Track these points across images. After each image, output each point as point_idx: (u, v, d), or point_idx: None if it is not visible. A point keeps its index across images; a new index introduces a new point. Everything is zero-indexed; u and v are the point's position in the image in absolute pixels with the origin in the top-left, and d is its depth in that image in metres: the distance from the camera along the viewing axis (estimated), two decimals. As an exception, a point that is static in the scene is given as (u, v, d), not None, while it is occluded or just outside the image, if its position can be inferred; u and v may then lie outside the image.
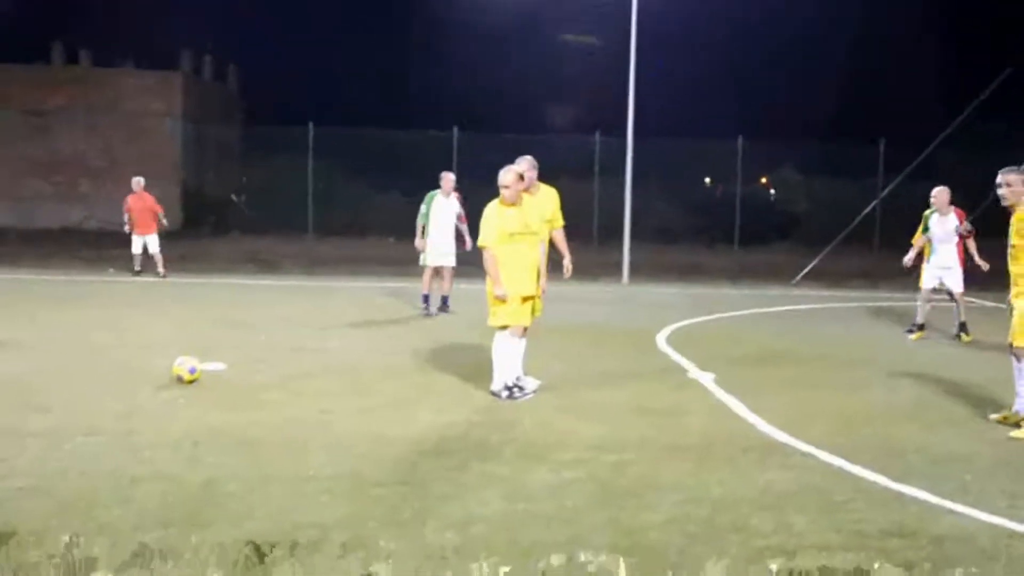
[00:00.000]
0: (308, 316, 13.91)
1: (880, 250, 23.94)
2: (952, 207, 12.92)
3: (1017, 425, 7.52)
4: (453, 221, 13.95)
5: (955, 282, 12.95)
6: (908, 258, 13.15)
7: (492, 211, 8.35)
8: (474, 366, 9.42)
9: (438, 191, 13.85)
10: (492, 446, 6.85)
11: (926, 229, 12.99)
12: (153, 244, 18.99)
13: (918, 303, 13.35)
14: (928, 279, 13.09)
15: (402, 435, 7.05)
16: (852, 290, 19.91)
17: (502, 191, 8.28)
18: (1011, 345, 7.74)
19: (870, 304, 17.44)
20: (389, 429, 7.22)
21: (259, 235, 28.42)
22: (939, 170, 19.49)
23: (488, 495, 5.72)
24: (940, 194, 12.84)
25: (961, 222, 12.79)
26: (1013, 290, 7.73)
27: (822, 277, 21.34)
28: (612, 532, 5.14)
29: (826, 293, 19.32)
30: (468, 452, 6.66)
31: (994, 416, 7.90)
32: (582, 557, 4.77)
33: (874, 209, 21.90)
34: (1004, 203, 7.77)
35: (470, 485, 5.92)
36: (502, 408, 8.07)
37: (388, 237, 27.29)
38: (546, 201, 8.92)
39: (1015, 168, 7.70)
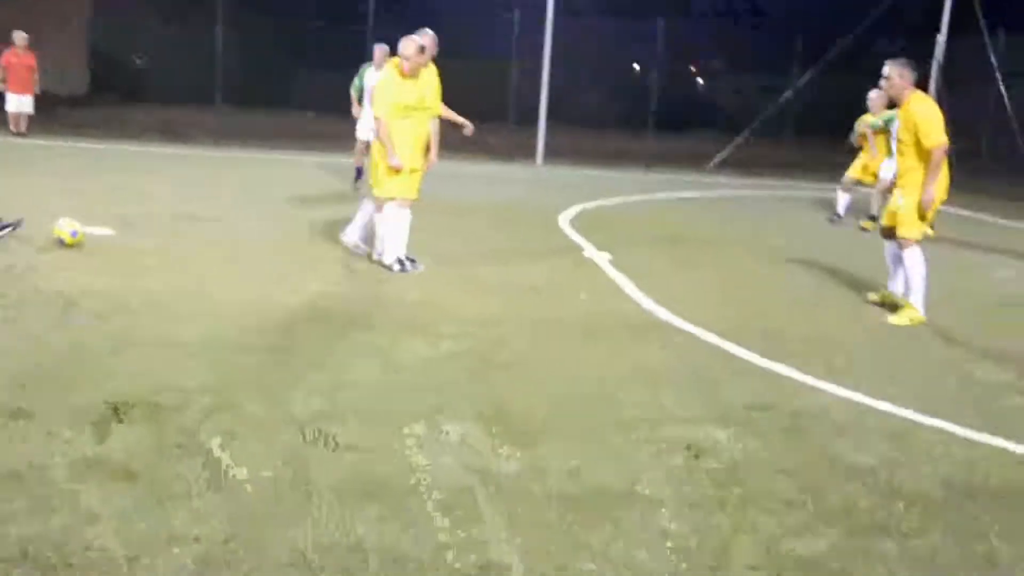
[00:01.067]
0: (206, 186, 13.63)
1: (794, 140, 24.21)
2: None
3: (894, 307, 7.73)
4: None
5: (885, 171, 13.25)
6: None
7: (389, 81, 8.23)
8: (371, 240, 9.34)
9: (371, 64, 13.50)
10: (374, 317, 6.84)
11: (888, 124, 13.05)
12: (27, 105, 18.33)
13: (840, 191, 13.74)
14: (886, 171, 13.25)
15: (282, 303, 7.00)
16: (766, 179, 20.12)
17: (403, 61, 8.14)
18: (887, 229, 7.88)
19: (781, 193, 17.68)
20: (269, 298, 7.15)
21: (171, 104, 27.53)
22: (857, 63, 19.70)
23: (362, 364, 5.74)
24: (873, 99, 13.03)
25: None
26: (899, 181, 7.82)
27: (739, 165, 21.51)
28: (481, 403, 5.19)
29: (739, 181, 19.50)
30: (348, 321, 6.65)
31: (872, 296, 8.12)
32: (445, 425, 4.83)
33: (792, 101, 21.99)
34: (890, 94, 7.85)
35: (345, 353, 5.92)
36: (391, 280, 8.05)
37: (308, 112, 26.64)
38: (435, 78, 8.78)
39: (900, 61, 7.69)
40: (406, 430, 4.73)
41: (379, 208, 8.50)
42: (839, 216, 13.75)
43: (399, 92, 8.15)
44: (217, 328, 6.26)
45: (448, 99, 8.73)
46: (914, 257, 7.65)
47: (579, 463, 4.45)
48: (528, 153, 20.83)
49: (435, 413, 4.99)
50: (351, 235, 9.07)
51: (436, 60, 8.67)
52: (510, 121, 25.21)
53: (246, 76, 26.94)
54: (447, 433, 4.73)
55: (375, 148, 8.41)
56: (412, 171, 8.33)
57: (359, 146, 13.55)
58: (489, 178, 16.12)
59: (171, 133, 22.17)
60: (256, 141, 21.26)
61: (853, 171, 13.46)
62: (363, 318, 6.79)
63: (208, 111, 24.92)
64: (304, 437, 4.52)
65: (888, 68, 7.67)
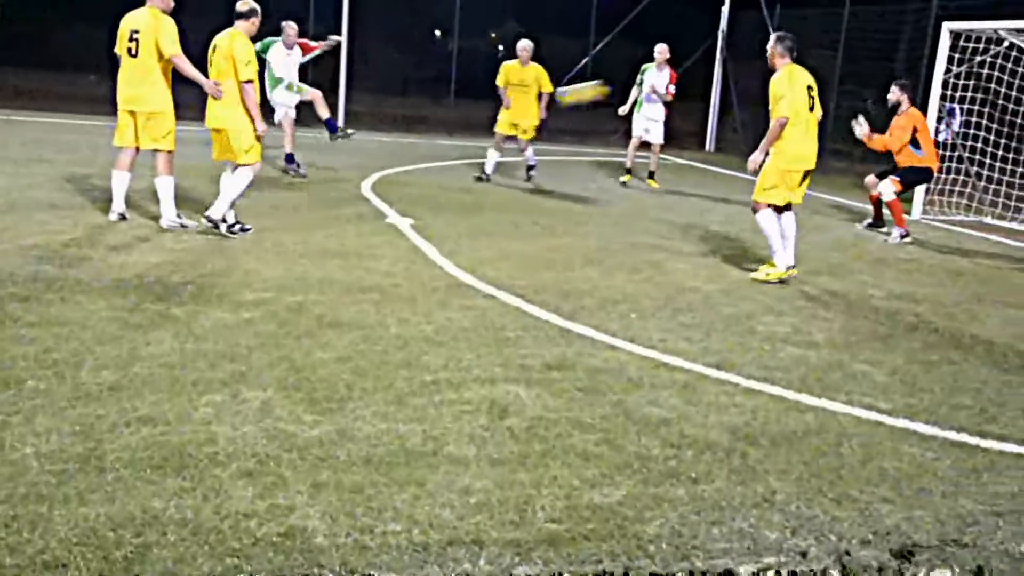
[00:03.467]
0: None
1: (589, 108, 24.70)
2: (668, 65, 13.76)
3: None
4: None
5: (657, 135, 13.92)
6: (623, 109, 14.07)
7: (247, 43, 8.42)
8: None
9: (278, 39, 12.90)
10: (170, 286, 6.60)
11: (641, 82, 13.85)
12: None
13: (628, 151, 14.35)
14: (637, 127, 14.03)
15: (70, 277, 6.65)
16: (564, 145, 20.50)
17: (252, 23, 8.49)
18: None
19: (577, 158, 18.08)
20: (57, 271, 6.78)
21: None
22: (656, 27, 20.36)
23: (157, 335, 5.53)
24: (660, 52, 13.73)
25: (673, 81, 13.70)
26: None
27: (538, 131, 21.76)
28: (281, 370, 5.12)
29: (537, 147, 19.74)
30: (143, 293, 6.38)
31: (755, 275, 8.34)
32: (246, 394, 4.73)
33: (585, 65, 22.46)
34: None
35: (139, 325, 5.69)
36: (188, 251, 7.77)
37: (89, 75, 25.08)
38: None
39: (777, 35, 8.29)
40: (205, 400, 4.61)
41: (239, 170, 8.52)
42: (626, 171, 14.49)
43: (253, 54, 8.50)
44: (-4, 301, 5.90)
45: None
46: (763, 219, 8.25)
47: (384, 426, 4.45)
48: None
49: (235, 382, 4.88)
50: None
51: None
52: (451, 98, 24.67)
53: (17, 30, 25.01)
54: (248, 401, 4.63)
55: (241, 116, 8.37)
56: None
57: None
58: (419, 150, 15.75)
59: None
60: (23, 102, 19.94)
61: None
62: (158, 287, 6.54)
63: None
64: (95, 411, 4.33)
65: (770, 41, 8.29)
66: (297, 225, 9.17)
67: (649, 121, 14.13)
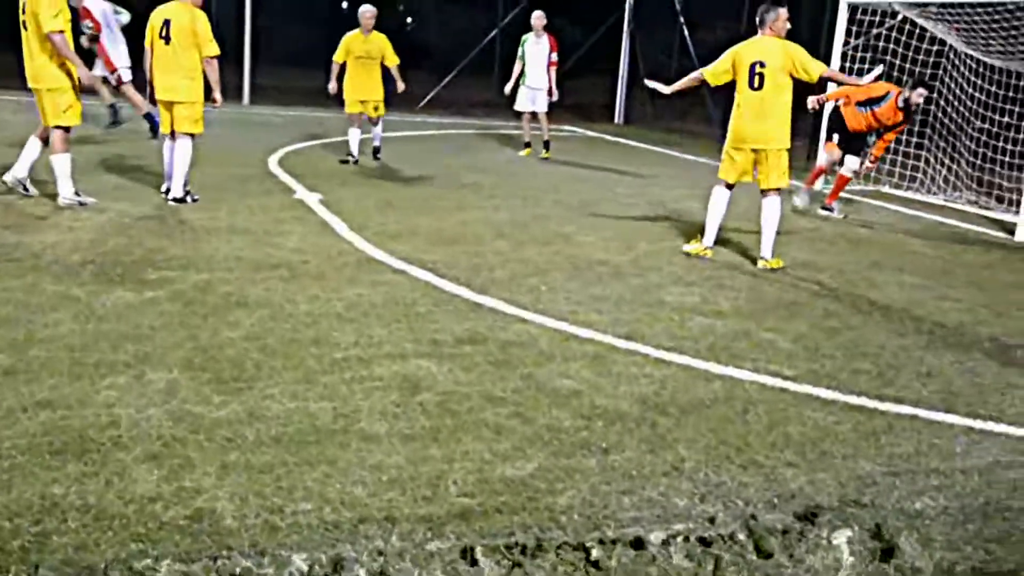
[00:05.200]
0: None
1: (500, 80, 24.66)
2: (546, 32, 13.79)
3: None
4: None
5: (541, 103, 13.93)
6: (508, 86, 14.08)
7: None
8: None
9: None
10: (70, 266, 6.40)
11: (522, 55, 13.87)
12: None
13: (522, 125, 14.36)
14: (521, 100, 14.02)
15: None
16: (472, 118, 20.42)
17: None
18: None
19: (487, 132, 18.02)
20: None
21: None
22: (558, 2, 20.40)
23: (56, 317, 5.36)
24: (539, 17, 13.76)
25: (554, 49, 13.74)
26: None
27: (446, 105, 21.66)
28: (187, 350, 5.01)
29: (447, 120, 19.67)
30: (40, 272, 6.18)
31: (687, 248, 8.31)
32: (150, 375, 4.61)
33: (495, 40, 22.39)
34: None
35: (37, 307, 5.51)
36: (89, 229, 7.54)
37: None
38: None
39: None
40: (107, 382, 4.49)
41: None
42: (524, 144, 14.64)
43: None
44: None
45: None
46: (712, 192, 8.22)
47: (293, 405, 4.39)
48: (234, 93, 20.01)
49: (139, 363, 4.76)
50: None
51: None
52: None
53: None
54: (153, 383, 4.52)
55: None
56: None
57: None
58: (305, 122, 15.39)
59: None
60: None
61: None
62: (56, 267, 6.34)
63: None
64: (-9, 397, 4.19)
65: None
66: (203, 202, 8.96)
67: (533, 91, 14.13)
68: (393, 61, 12.36)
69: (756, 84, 7.75)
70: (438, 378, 4.88)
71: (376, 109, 12.42)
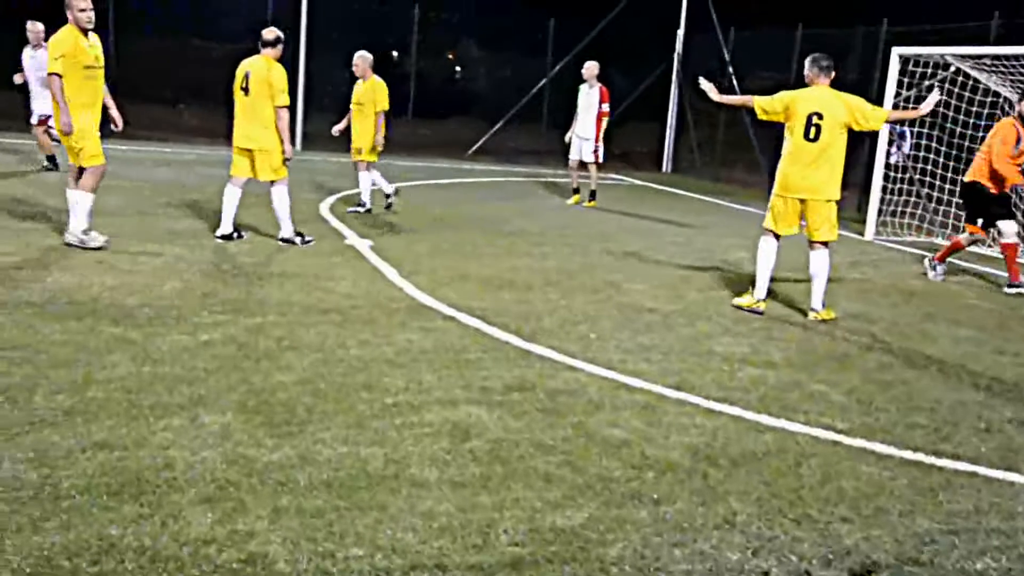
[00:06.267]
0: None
1: (549, 128, 24.85)
2: (599, 82, 13.91)
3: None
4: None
5: (587, 152, 14.04)
6: (568, 135, 14.21)
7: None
8: (117, 223, 8.90)
9: None
10: (126, 309, 6.52)
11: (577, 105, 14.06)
12: None
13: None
14: (573, 149, 14.16)
15: (22, 300, 6.54)
16: (521, 166, 20.57)
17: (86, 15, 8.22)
18: None
19: (536, 179, 18.13)
20: (8, 294, 6.67)
21: None
22: (614, 50, 20.63)
23: (113, 359, 5.45)
24: (590, 68, 13.90)
25: (605, 100, 13.84)
26: None
27: (495, 153, 21.88)
28: (241, 393, 5.06)
29: (496, 168, 19.86)
30: (99, 316, 6.29)
31: (737, 301, 8.17)
32: (205, 417, 4.67)
33: (544, 88, 22.58)
34: None
35: (95, 349, 5.61)
36: (144, 272, 7.68)
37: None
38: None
39: (812, 56, 7.90)
40: (163, 424, 4.55)
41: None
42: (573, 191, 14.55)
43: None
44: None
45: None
46: (760, 244, 8.07)
47: (345, 450, 4.42)
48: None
49: (194, 405, 4.82)
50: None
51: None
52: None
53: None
54: (207, 426, 4.58)
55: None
56: None
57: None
58: None
59: None
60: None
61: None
62: (113, 310, 6.46)
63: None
64: (49, 437, 4.25)
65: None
66: (255, 247, 9.10)
67: (581, 140, 14.25)
68: (383, 106, 11.85)
69: (812, 135, 7.60)
70: (488, 425, 4.89)
71: (363, 154, 11.99)
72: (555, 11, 22.98)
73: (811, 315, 7.88)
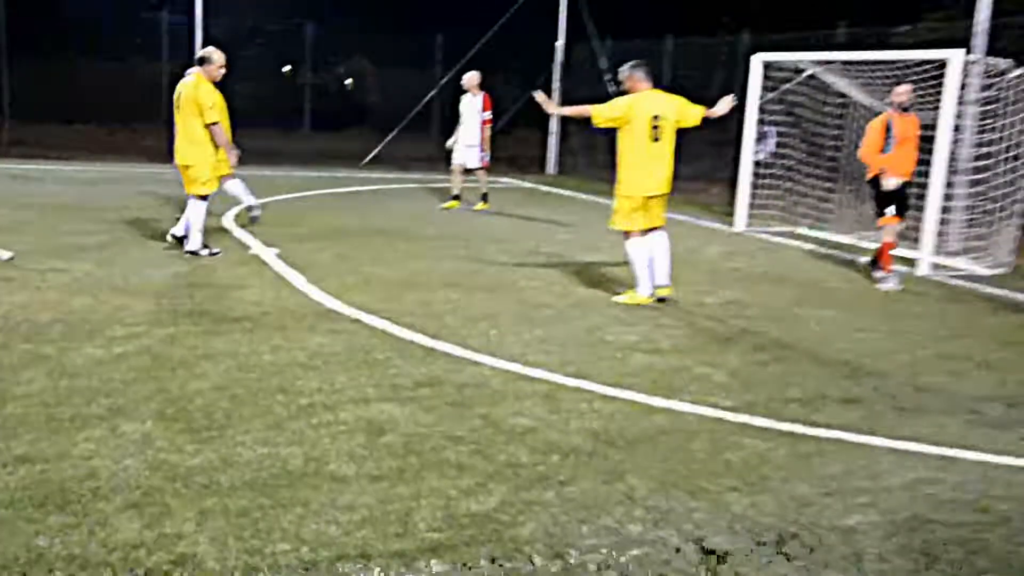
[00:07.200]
0: None
1: (439, 137, 24.86)
2: (481, 91, 13.98)
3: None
4: None
5: (473, 159, 14.08)
6: (449, 142, 14.24)
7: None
8: (23, 240, 8.60)
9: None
10: (38, 325, 6.32)
11: (460, 113, 14.12)
12: None
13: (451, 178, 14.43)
14: (457, 155, 14.18)
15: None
16: (414, 172, 20.50)
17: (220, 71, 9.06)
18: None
19: (429, 186, 18.09)
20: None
21: None
22: (499, 61, 20.80)
23: (29, 375, 5.29)
24: (471, 78, 13.96)
25: (487, 107, 13.93)
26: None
27: (389, 161, 21.74)
28: (159, 401, 4.98)
29: (390, 175, 19.73)
30: (10, 332, 6.09)
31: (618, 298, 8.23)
32: (125, 427, 4.57)
33: (433, 98, 22.55)
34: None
35: (9, 366, 5.43)
36: (55, 289, 7.44)
37: None
38: None
39: (631, 63, 8.02)
40: (83, 435, 4.44)
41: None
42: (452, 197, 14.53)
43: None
44: None
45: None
46: (629, 247, 8.01)
47: (265, 451, 4.39)
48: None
49: (113, 416, 4.72)
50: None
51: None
52: (162, 123, 23.84)
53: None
54: (128, 434, 4.49)
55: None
56: None
57: None
58: (140, 179, 15.24)
59: None
60: None
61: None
62: (25, 326, 6.25)
63: None
64: (-29, 454, 4.12)
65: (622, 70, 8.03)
66: (162, 260, 8.90)
67: (467, 148, 14.30)
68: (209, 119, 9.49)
69: (657, 136, 7.73)
70: (400, 421, 4.91)
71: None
72: (442, 26, 23.04)
73: (661, 292, 8.00)
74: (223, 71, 9.17)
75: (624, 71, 8.05)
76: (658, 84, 8.06)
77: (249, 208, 11.15)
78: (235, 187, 10.99)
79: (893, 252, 9.64)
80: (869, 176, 9.74)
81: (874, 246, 10.49)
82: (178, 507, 3.77)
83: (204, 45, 19.32)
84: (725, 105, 8.01)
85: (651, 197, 7.92)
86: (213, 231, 10.73)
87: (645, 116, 7.74)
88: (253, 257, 9.30)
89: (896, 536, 3.88)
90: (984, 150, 11.48)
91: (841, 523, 3.98)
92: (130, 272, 8.21)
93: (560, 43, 22.32)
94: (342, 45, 27.74)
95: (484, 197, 14.54)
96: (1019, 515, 4.14)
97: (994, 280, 10.28)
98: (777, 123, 14.31)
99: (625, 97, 7.91)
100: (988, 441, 5.08)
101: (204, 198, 9.14)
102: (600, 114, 7.89)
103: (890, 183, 9.36)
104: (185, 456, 4.28)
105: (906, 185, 9.68)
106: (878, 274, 9.64)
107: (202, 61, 9.15)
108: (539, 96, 8.22)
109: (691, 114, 7.92)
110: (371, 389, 5.39)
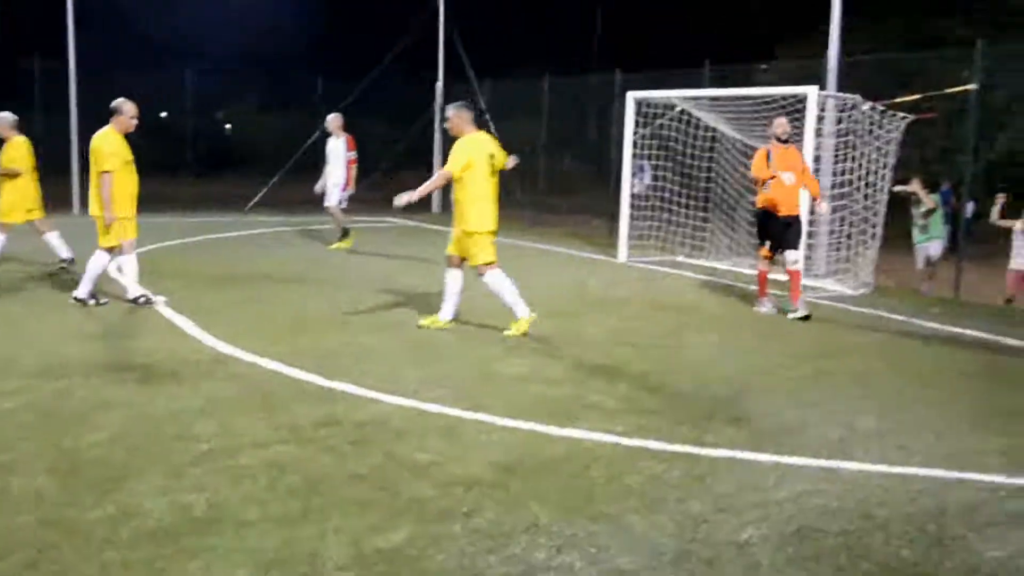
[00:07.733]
0: None
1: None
2: (344, 132, 14.01)
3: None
4: None
5: (332, 198, 14.05)
6: (317, 185, 14.13)
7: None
8: None
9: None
10: (-84, 384, 6.00)
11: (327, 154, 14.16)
12: None
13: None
14: (330, 196, 14.11)
15: None
16: (298, 215, 20.23)
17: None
18: (452, 258, 8.40)
19: (313, 228, 17.90)
20: None
21: None
22: (374, 104, 20.81)
23: (-91, 435, 5.01)
24: (334, 120, 13.98)
25: (351, 148, 13.96)
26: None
27: (274, 205, 21.42)
28: (52, 457, 4.78)
29: (275, 219, 19.43)
30: None
31: (422, 322, 8.42)
32: (15, 484, 4.38)
33: (316, 140, 22.39)
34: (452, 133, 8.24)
35: None
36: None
37: None
38: None
39: (457, 104, 8.24)
40: (-28, 496, 4.23)
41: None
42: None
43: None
44: None
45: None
46: (491, 279, 8.20)
47: (166, 499, 4.27)
48: (63, 202, 19.19)
49: (4, 474, 4.52)
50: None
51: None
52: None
53: None
54: (20, 492, 4.30)
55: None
56: None
57: None
58: (17, 230, 14.63)
59: None
60: None
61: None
62: (-98, 386, 5.94)
63: None
64: None
65: (449, 110, 8.21)
66: (44, 310, 8.58)
67: (333, 186, 14.26)
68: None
69: (492, 173, 8.06)
70: (302, 461, 4.84)
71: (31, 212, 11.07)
72: (323, 70, 22.98)
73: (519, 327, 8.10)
74: (135, 121, 8.90)
75: (451, 111, 8.22)
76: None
77: (63, 260, 11.11)
78: (54, 239, 11.09)
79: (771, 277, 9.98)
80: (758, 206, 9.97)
81: (749, 272, 10.88)
82: (77, 562, 3.63)
83: (80, 98, 18.98)
84: (512, 162, 8.38)
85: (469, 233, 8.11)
86: (105, 281, 10.40)
87: (483, 156, 8.02)
88: (142, 305, 9.02)
89: (787, 547, 4.02)
90: (842, 178, 12.09)
91: (736, 537, 4.10)
92: (16, 325, 7.88)
93: (439, 85, 22.49)
94: (226, 91, 27.30)
95: (343, 235, 14.42)
96: (897, 519, 4.34)
97: (858, 300, 10.79)
98: (651, 157, 14.74)
99: (462, 142, 8.08)
100: (864, 451, 5.31)
101: (111, 251, 8.91)
102: (455, 169, 8.01)
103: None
104: (83, 510, 4.12)
105: (789, 219, 9.61)
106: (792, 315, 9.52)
107: (109, 111, 8.91)
108: (399, 200, 8.01)
109: (503, 158, 8.24)
110: (270, 432, 5.30)
